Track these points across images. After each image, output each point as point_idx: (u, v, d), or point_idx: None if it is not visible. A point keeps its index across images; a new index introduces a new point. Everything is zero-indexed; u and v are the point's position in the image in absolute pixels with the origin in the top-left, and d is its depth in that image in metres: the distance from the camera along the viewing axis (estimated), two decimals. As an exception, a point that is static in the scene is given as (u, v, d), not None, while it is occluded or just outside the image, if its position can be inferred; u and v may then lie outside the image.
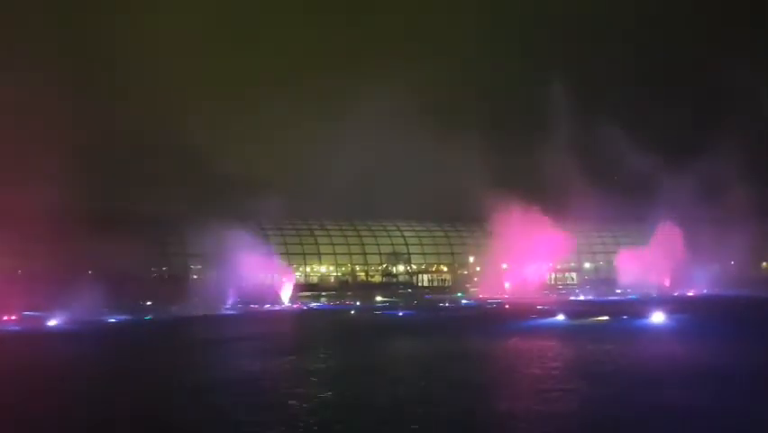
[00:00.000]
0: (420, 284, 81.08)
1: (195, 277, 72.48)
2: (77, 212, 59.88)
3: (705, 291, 68.01)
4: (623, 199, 68.07)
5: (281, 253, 72.52)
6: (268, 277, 64.40)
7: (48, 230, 55.83)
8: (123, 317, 43.80)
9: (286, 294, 61.47)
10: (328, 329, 38.11)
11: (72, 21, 70.53)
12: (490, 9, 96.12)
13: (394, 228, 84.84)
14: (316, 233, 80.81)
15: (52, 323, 40.10)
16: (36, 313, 42.59)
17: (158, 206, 67.52)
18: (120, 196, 69.58)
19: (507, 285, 70.09)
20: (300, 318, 47.18)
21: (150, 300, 55.06)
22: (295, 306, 57.87)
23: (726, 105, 76.84)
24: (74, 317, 41.05)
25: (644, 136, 69.96)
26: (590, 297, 64.63)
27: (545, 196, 68.32)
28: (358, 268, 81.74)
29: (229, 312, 51.05)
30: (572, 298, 64.51)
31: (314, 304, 60.16)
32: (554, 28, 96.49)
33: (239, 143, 77.05)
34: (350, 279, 79.71)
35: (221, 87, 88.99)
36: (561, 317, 40.66)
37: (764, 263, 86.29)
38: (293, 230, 79.80)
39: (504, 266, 72.45)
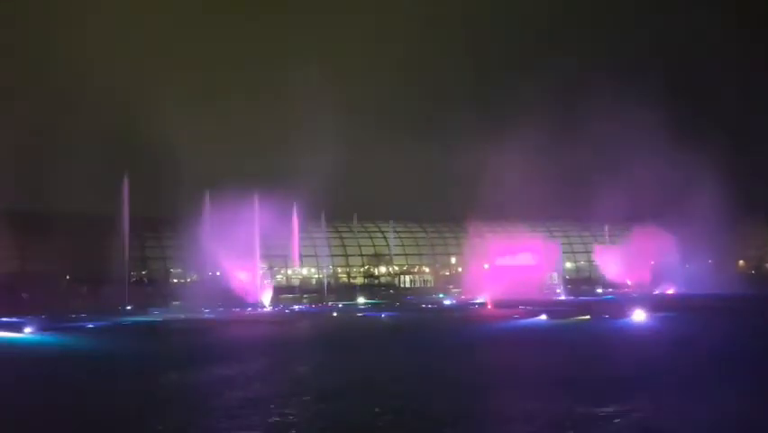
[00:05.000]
0: (402, 285, 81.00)
1: (175, 280, 71.86)
2: (54, 215, 59.10)
3: (684, 290, 68.72)
4: (602, 199, 68.44)
5: (262, 255, 71.95)
6: (249, 279, 63.92)
7: (24, 235, 55.01)
8: (101, 323, 43.12)
9: (267, 297, 61.11)
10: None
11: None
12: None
13: (375, 229, 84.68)
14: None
15: (28, 330, 39.30)
16: (12, 319, 41.78)
17: (135, 209, 66.66)
18: (97, 199, 68.60)
19: (488, 285, 70.21)
20: (286, 320, 46.87)
21: (129, 305, 54.36)
22: (276, 308, 57.50)
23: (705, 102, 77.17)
24: (51, 323, 40.33)
25: (621, 134, 69.87)
26: (571, 296, 65.05)
27: (525, 196, 68.43)
28: (339, 270, 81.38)
29: (210, 315, 50.53)
30: (554, 297, 64.87)
31: (296, 306, 59.82)
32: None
33: (212, 143, 75.58)
34: (331, 281, 79.42)
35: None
36: (543, 318, 40.85)
37: (741, 262, 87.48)
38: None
39: (486, 266, 72.63)
